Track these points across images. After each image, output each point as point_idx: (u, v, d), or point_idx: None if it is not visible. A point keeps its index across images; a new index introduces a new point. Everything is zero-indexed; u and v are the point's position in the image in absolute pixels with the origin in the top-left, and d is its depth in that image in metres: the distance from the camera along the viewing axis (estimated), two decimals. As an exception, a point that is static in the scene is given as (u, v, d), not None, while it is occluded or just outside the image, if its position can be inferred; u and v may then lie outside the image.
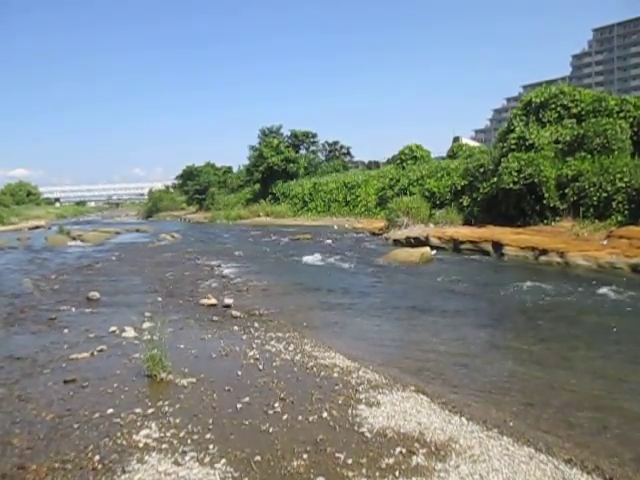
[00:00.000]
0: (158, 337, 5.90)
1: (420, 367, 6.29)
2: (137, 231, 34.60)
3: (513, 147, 20.61)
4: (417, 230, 20.47)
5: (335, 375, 5.84)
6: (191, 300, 10.13)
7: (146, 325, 7.79)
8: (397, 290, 11.29)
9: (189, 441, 4.39)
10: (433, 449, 4.24)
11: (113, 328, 7.78)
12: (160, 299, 10.20)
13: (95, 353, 6.63)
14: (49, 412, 4.93)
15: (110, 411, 4.92)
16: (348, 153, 60.80)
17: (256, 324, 8.18)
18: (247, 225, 38.53)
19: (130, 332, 7.56)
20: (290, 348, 6.86)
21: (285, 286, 11.84)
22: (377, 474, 3.91)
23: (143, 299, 10.16)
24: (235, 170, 65.24)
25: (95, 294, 10.38)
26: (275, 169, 46.83)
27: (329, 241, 22.23)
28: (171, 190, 75.77)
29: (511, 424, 4.77)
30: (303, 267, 15.18)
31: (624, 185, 17.16)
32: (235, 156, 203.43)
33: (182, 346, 6.88)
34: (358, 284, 11.98)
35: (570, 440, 4.51)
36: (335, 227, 31.25)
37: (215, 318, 8.58)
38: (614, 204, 17.17)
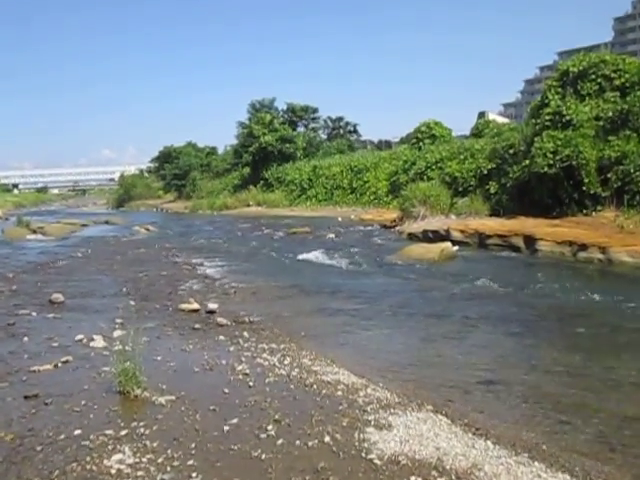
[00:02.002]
0: (131, 348, 5.92)
1: (439, 383, 6.33)
2: (107, 223, 34.66)
3: (548, 124, 20.58)
4: (436, 222, 20.49)
5: (339, 393, 5.87)
6: (169, 305, 10.16)
7: (117, 333, 7.83)
8: (412, 293, 11.32)
9: (168, 468, 4.43)
10: (454, 478, 4.28)
11: (80, 336, 7.82)
12: (133, 303, 10.23)
13: (59, 365, 6.67)
14: (8, 432, 4.97)
15: (77, 432, 4.96)
16: (355, 131, 60.84)
17: (245, 333, 8.22)
18: (235, 216, 38.55)
19: (99, 341, 7.60)
20: (286, 362, 6.90)
21: (280, 288, 11.87)
22: (387, 507, 3.95)
23: (114, 303, 10.20)
24: (220, 151, 65.30)
25: (59, 296, 10.42)
26: (268, 150, 46.84)
27: (331, 235, 22.26)
28: (146, 175, 75.80)
29: (544, 447, 4.81)
30: (301, 266, 15.21)
31: (678, 169, 17.15)
32: (220, 135, 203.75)
33: (159, 358, 6.92)
34: (365, 286, 12.01)
35: (611, 464, 4.55)
36: (339, 219, 31.26)
37: (197, 326, 8.62)
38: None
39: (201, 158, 61.68)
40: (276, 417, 5.24)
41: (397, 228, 22.60)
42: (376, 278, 13.03)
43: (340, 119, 59.89)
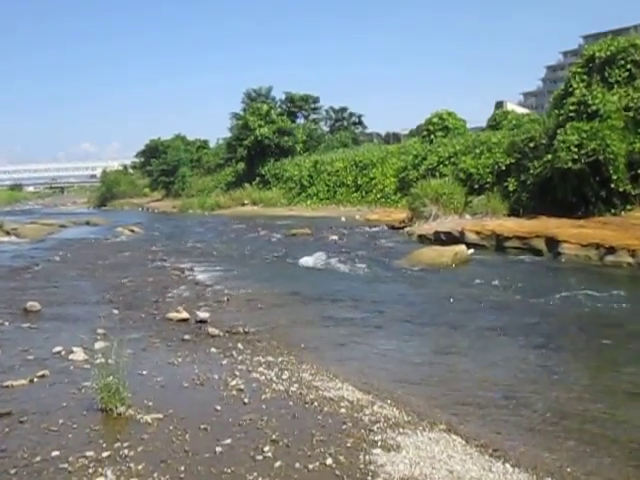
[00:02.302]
0: (114, 361, 5.93)
1: (452, 400, 6.33)
2: (87, 224, 34.71)
3: (572, 115, 20.59)
4: (449, 223, 20.50)
5: (342, 411, 5.88)
6: (156, 314, 10.17)
7: (99, 345, 7.84)
8: (422, 301, 11.33)
9: (155, 494, 4.43)
10: (468, 504, 4.28)
11: (58, 348, 7.83)
12: (116, 312, 10.25)
13: (35, 380, 6.68)
14: (-23, 455, 4.98)
15: (55, 453, 4.96)
16: (360, 123, 60.96)
17: (240, 345, 8.23)
18: (228, 216, 38.59)
19: (79, 354, 7.61)
20: (284, 376, 6.90)
21: (277, 296, 11.89)
22: (396, 536, 3.95)
23: (95, 312, 10.21)
24: (212, 145, 65.44)
25: (34, 305, 10.43)
26: (264, 143, 46.95)
27: (334, 237, 22.28)
28: (130, 171, 75.92)
29: (568, 470, 4.81)
30: (300, 271, 15.22)
31: None
32: (212, 127, 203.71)
33: (145, 373, 6.93)
34: (372, 293, 12.02)
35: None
36: (342, 219, 31.28)
37: (187, 337, 8.64)
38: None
39: (191, 153, 61.82)
40: (273, 437, 5.25)
41: (406, 229, 22.61)
42: (383, 284, 13.04)
43: (344, 109, 60.03)
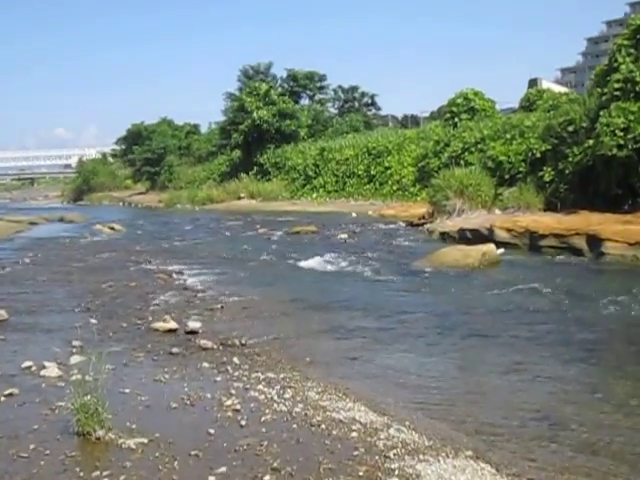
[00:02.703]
0: (92, 377, 5.94)
1: (480, 423, 6.31)
2: (61, 221, 34.83)
3: (617, 94, 20.49)
4: (476, 219, 20.46)
5: (354, 435, 5.87)
6: (140, 323, 10.19)
7: (75, 360, 7.85)
8: (445, 309, 11.30)
9: (139, 530, 4.44)
10: (498, 543, 4.26)
11: (28, 363, 7.84)
12: (95, 321, 10.26)
13: (2, 399, 6.70)
14: None
15: (25, 485, 4.97)
16: (373, 104, 60.95)
17: (236, 359, 8.23)
18: (222, 212, 38.64)
19: (52, 369, 7.62)
20: (287, 395, 6.90)
21: (278, 303, 11.90)
22: None
23: (70, 321, 10.23)
24: (204, 130, 65.68)
25: (1, 313, 10.46)
26: (263, 128, 47.02)
27: (343, 236, 22.28)
28: (110, 160, 76.19)
29: (614, 507, 4.78)
30: (305, 275, 15.23)
31: None
32: (204, 110, 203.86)
33: (127, 391, 6.93)
34: (387, 300, 12.02)
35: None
36: (353, 215, 31.27)
37: (175, 350, 8.64)
38: None
39: (179, 139, 61.99)
40: (274, 465, 5.24)
41: (426, 226, 22.59)
42: (400, 290, 13.03)
43: (354, 89, 60.01)
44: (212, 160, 55.18)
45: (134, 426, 5.96)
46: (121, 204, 55.33)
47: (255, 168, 46.82)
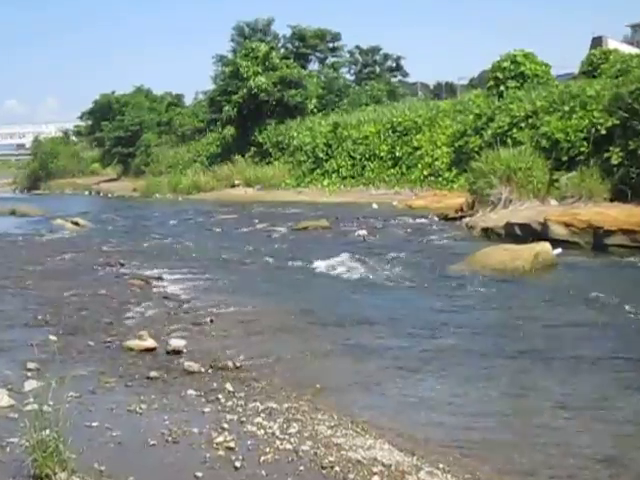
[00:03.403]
0: (52, 407, 5.95)
1: (532, 466, 6.29)
2: (13, 214, 34.93)
3: None
4: (526, 211, 20.40)
5: (375, 479, 5.86)
6: (110, 341, 10.19)
7: (31, 385, 7.86)
8: (488, 323, 11.29)
9: None
10: None
11: (-29, 391, 7.88)
12: (55, 338, 10.27)
13: (-60, 435, 6.73)
14: None
15: (-32, 541, 5.00)
16: (398, 69, 61.08)
17: (229, 386, 8.22)
18: (211, 203, 38.72)
19: (2, 397, 7.65)
20: (292, 429, 6.90)
21: (282, 315, 11.91)
22: None
23: (24, 338, 10.24)
24: (189, 102, 65.77)
25: (-63, 329, 10.50)
26: (262, 99, 47.03)
27: (362, 232, 22.26)
28: (73, 139, 76.58)
29: None
30: (314, 281, 15.24)
31: None
32: (188, 78, 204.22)
33: (95, 424, 6.94)
34: (415, 313, 12.01)
35: None
36: (374, 206, 31.25)
37: (154, 374, 8.64)
38: None
39: (158, 112, 62.13)
40: (277, 517, 5.24)
41: (465, 221, 22.53)
42: (432, 299, 13.01)
43: (375, 50, 60.11)
44: (199, 139, 55.29)
45: (103, 467, 5.97)
46: (87, 193, 55.59)
47: (252, 149, 46.87)
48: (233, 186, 44.23)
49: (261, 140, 46.54)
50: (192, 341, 10.02)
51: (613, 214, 18.36)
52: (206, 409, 7.46)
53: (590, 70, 34.35)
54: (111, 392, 8.05)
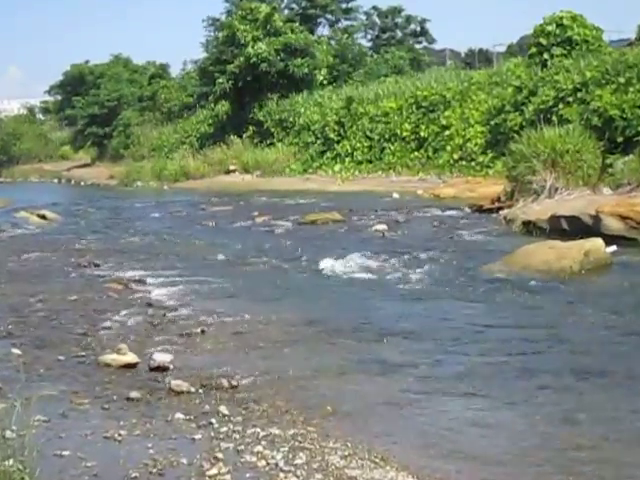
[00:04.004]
0: (17, 434, 5.97)
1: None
2: (-33, 206, 35.02)
3: None
4: (575, 201, 20.35)
5: (396, 518, 5.87)
6: (84, 355, 10.24)
7: (-10, 408, 7.90)
8: (529, 335, 11.24)
9: None
10: None
11: None
12: (19, 352, 10.31)
13: None
14: None
15: None
16: (423, 34, 61.02)
17: (224, 408, 8.22)
18: (202, 192, 38.79)
19: (-43, 423, 7.68)
20: (298, 460, 6.90)
21: (286, 325, 11.92)
22: None
23: (-17, 353, 10.30)
24: (175, 73, 65.83)
25: None
26: (262, 69, 46.95)
27: (381, 227, 22.23)
28: (40, 117, 76.64)
29: None
30: (325, 284, 15.27)
31: None
32: (175, 44, 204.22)
33: (67, 453, 6.96)
34: (444, 322, 12.02)
35: None
36: (395, 195, 31.22)
37: (135, 395, 8.65)
38: None
39: (140, 85, 62.22)
40: None
41: (503, 213, 22.48)
42: (463, 306, 13.02)
43: (397, 12, 60.04)
44: (188, 117, 55.36)
45: (76, 505, 6.00)
46: (56, 181, 55.61)
47: (251, 128, 46.86)
48: (228, 172, 44.22)
49: (261, 118, 46.49)
50: (180, 356, 10.05)
51: (679, 205, 18.33)
52: (197, 436, 7.48)
53: (650, 35, 34.27)
54: (85, 415, 8.08)
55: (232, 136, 46.92)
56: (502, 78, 37.35)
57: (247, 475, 6.59)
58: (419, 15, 59.81)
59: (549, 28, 35.56)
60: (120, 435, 7.49)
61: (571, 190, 21.78)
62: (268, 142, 45.71)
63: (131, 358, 9.85)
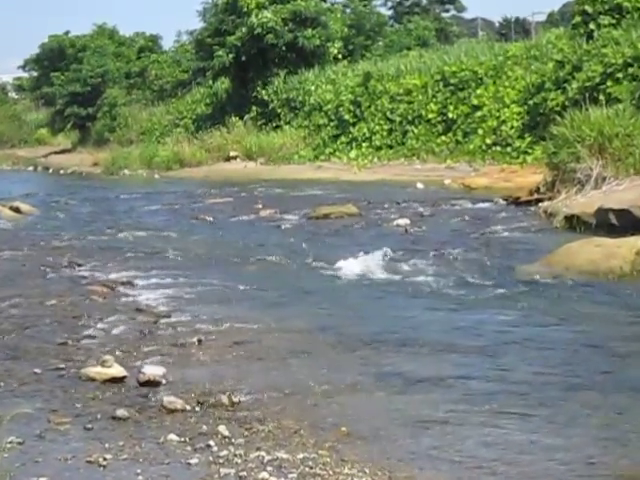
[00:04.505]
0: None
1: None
2: None
3: None
4: (625, 193, 20.30)
5: None
6: (63, 368, 10.25)
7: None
8: (573, 344, 11.23)
9: None
10: None
11: None
12: (-12, 364, 10.34)
13: None
14: None
15: None
16: (451, 1, 60.77)
17: (223, 429, 8.22)
18: (199, 182, 38.90)
19: None
20: (309, 488, 6.91)
21: (294, 334, 11.93)
22: None
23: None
24: (168, 46, 65.79)
25: None
26: (267, 42, 46.88)
27: (403, 222, 22.22)
28: (12, 96, 76.76)
29: None
30: (339, 287, 15.28)
31: None
32: (168, 13, 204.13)
33: (44, 479, 6.98)
34: (476, 330, 12.01)
35: None
36: (419, 186, 31.22)
37: (122, 413, 8.65)
38: None
39: (128, 60, 62.17)
40: None
41: (543, 205, 22.43)
42: (498, 312, 12.99)
43: (421, -25, 59.97)
44: (182, 96, 55.40)
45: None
46: (32, 169, 55.70)
47: (254, 109, 46.86)
48: (228, 159, 44.21)
49: (266, 97, 46.46)
50: (174, 368, 10.05)
51: None
52: (193, 460, 7.47)
53: None
54: (65, 437, 8.09)
55: (233, 118, 46.88)
56: (542, 51, 37.28)
57: (251, 506, 6.60)
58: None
59: (595, -5, 35.48)
60: (105, 459, 7.49)
61: (621, 180, 21.69)
62: (274, 125, 45.69)
63: (118, 371, 9.85)
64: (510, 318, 12.62)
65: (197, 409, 8.81)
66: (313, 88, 45.19)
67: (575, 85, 30.32)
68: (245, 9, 46.67)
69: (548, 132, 26.59)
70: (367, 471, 7.31)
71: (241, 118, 46.53)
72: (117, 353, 10.57)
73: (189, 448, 7.77)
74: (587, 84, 29.22)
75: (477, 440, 8.12)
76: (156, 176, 43.87)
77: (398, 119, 40.72)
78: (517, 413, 8.73)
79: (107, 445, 7.81)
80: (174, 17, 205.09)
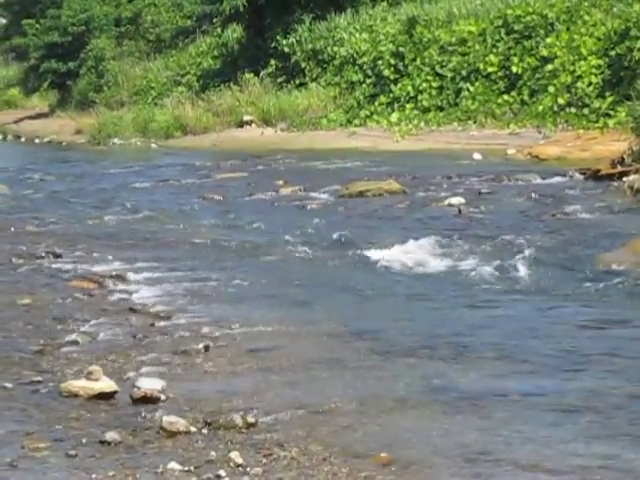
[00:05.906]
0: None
1: None
2: None
3: None
4: None
5: None
6: (40, 381, 10.28)
7: None
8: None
9: None
10: None
11: None
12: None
13: None
14: None
15: None
16: None
17: (236, 455, 8.19)
18: (205, 152, 38.97)
19: None
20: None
21: (320, 338, 11.95)
22: None
23: None
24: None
25: None
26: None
27: (456, 201, 22.21)
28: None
29: None
30: (374, 281, 15.29)
31: None
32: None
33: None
34: (546, 332, 11.98)
35: None
36: (476, 156, 31.21)
37: (112, 437, 8.64)
38: None
39: (117, 3, 62.18)
40: None
41: (628, 179, 22.37)
42: (573, 311, 13.00)
43: None
44: (184, 47, 55.41)
45: None
46: (0, 138, 55.96)
47: (273, 63, 46.88)
48: (241, 125, 44.22)
49: (287, 49, 46.35)
50: (175, 382, 10.07)
51: None
52: (198, 494, 7.49)
53: None
54: (43, 465, 8.07)
55: (247, 74, 46.82)
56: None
57: None
58: None
59: None
60: (91, 493, 7.52)
61: None
62: (297, 82, 45.64)
63: (107, 385, 9.86)
64: (591, 319, 12.55)
65: (204, 431, 8.78)
66: (345, 37, 45.05)
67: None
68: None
69: (634, 90, 26.53)
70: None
71: (256, 74, 46.47)
72: (106, 363, 10.59)
73: (194, 479, 7.80)
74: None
75: (542, 466, 7.99)
76: (153, 146, 44.02)
77: (450, 74, 40.62)
78: (592, 433, 8.54)
79: (94, 476, 7.81)
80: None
